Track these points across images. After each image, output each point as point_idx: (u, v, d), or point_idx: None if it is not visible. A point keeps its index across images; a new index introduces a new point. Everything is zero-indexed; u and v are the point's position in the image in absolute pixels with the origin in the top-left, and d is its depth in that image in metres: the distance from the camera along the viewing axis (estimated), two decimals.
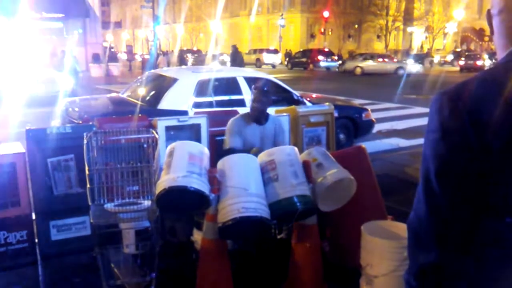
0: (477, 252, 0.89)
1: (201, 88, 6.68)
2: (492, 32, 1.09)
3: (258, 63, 39.86)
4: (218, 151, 3.99)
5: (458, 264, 0.91)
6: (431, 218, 0.93)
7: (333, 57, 37.42)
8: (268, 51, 42.38)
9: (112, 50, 34.63)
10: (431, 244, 0.93)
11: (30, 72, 15.10)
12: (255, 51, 43.41)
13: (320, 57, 36.22)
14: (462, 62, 35.00)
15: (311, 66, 36.20)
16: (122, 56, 38.78)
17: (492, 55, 35.11)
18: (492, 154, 0.86)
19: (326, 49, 39.89)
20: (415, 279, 0.97)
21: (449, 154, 0.90)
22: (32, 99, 13.26)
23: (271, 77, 7.93)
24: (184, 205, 3.05)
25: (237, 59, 19.88)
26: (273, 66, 39.89)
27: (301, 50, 42.86)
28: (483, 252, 0.89)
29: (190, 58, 37.06)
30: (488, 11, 1.09)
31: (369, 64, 30.90)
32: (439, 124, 0.93)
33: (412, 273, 0.98)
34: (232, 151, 3.56)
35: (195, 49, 43.23)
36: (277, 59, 41.53)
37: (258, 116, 3.85)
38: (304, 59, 37.62)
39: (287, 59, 40.99)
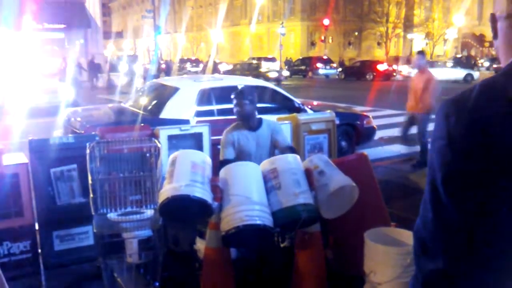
0: (484, 258, 0.89)
1: (203, 97, 6.70)
2: (495, 36, 1.05)
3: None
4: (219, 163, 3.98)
5: (465, 270, 0.91)
6: (438, 225, 0.93)
7: (331, 64, 37.53)
8: (266, 59, 42.65)
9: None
10: (438, 251, 0.93)
11: (32, 82, 15.18)
12: (253, 59, 43.74)
13: (319, 65, 36.35)
14: (495, 65, 35.99)
15: (309, 73, 36.32)
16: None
17: (492, 60, 35.25)
18: (497, 161, 0.86)
19: (325, 57, 40.06)
20: (422, 287, 0.97)
21: (456, 161, 0.90)
22: (34, 109, 13.32)
23: (272, 84, 7.96)
24: (187, 214, 3.05)
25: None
26: None
27: (300, 58, 43.06)
28: (490, 259, 0.89)
29: (189, 67, 37.39)
30: (493, 15, 1.05)
31: (437, 71, 30.23)
32: (445, 132, 0.93)
33: (419, 281, 0.98)
34: (225, 162, 3.53)
35: (193, 58, 43.44)
36: (276, 67, 41.74)
37: (245, 122, 3.77)
38: (303, 67, 37.76)
39: (286, 67, 41.15)
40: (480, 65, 38.35)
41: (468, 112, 0.90)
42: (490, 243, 0.89)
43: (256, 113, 3.81)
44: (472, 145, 0.88)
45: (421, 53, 8.03)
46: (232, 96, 3.77)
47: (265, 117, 3.97)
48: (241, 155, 3.71)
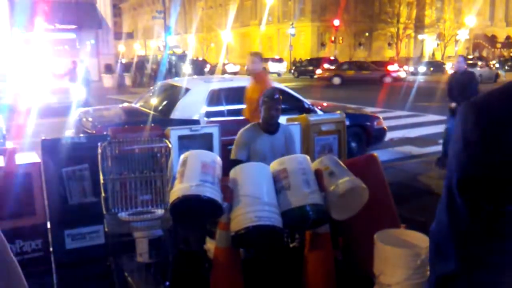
0: (497, 264, 0.89)
1: (213, 98, 6.73)
2: None
3: None
4: (230, 161, 4.00)
5: (477, 275, 0.90)
6: (452, 228, 0.92)
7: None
8: (274, 60, 42.82)
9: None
10: (451, 254, 0.93)
11: (43, 82, 15.32)
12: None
13: (326, 66, 36.27)
14: None
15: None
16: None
17: (504, 61, 34.81)
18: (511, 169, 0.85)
19: (332, 58, 39.95)
20: None
21: (470, 165, 0.89)
22: (46, 109, 13.44)
23: (282, 85, 7.97)
24: (197, 214, 3.07)
25: (197, 69, 25.36)
26: (279, 74, 40.24)
27: (307, 58, 43.02)
28: (503, 265, 0.88)
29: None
30: None
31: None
32: (462, 135, 0.91)
33: (431, 282, 0.98)
34: (236, 162, 3.55)
35: (200, 59, 43.43)
36: (282, 67, 41.87)
37: (272, 125, 3.82)
38: (310, 68, 37.77)
39: (293, 67, 41.25)
40: (491, 66, 37.92)
41: (486, 117, 0.89)
42: (503, 250, 0.88)
43: None
44: (487, 151, 0.87)
45: (257, 54, 6.09)
46: (266, 99, 3.77)
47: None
48: (255, 157, 3.73)
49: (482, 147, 0.88)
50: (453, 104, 7.41)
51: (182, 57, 30.35)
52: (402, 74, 31.14)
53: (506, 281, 0.89)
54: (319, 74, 32.51)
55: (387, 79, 29.39)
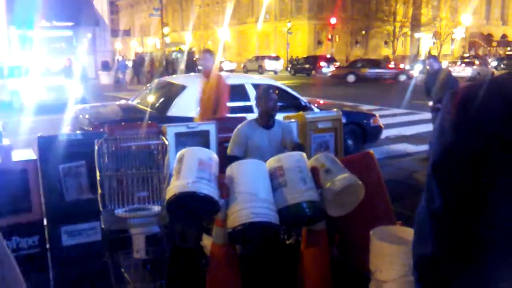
0: (472, 251, 0.89)
1: None
2: None
3: (260, 70, 40.37)
4: (226, 157, 4.02)
5: (452, 260, 0.91)
6: (429, 211, 0.95)
7: (334, 63, 37.36)
8: (270, 58, 42.93)
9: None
10: (429, 237, 0.95)
11: (40, 79, 15.29)
12: (257, 58, 43.94)
13: (322, 64, 36.24)
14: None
15: (313, 72, 36.34)
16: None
17: (500, 60, 34.85)
18: (484, 159, 0.86)
19: (328, 56, 40.00)
20: (415, 269, 0.99)
21: (442, 152, 0.92)
22: (42, 106, 13.41)
23: (279, 83, 7.97)
24: (193, 210, 3.07)
25: (190, 67, 25.53)
26: (275, 72, 40.30)
27: (304, 56, 43.09)
28: (478, 252, 0.89)
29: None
30: None
31: None
32: (440, 122, 0.94)
33: (413, 264, 1.00)
34: (232, 158, 3.57)
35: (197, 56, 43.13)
36: (279, 65, 41.95)
37: (266, 118, 3.84)
38: (307, 65, 37.80)
39: (290, 65, 41.35)
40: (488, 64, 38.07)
41: (462, 108, 0.90)
42: (474, 234, 0.89)
43: None
44: (458, 140, 0.89)
45: (208, 51, 6.18)
46: (261, 94, 3.84)
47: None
48: (253, 152, 3.75)
49: (453, 136, 0.90)
50: (431, 103, 7.53)
51: (189, 54, 29.95)
52: (415, 73, 31.31)
53: (485, 270, 0.89)
54: (333, 71, 32.46)
55: (402, 77, 29.39)
